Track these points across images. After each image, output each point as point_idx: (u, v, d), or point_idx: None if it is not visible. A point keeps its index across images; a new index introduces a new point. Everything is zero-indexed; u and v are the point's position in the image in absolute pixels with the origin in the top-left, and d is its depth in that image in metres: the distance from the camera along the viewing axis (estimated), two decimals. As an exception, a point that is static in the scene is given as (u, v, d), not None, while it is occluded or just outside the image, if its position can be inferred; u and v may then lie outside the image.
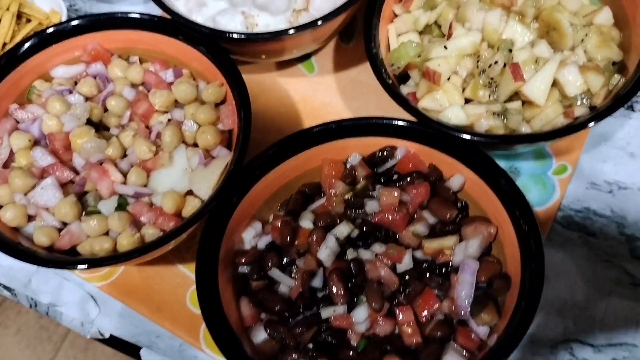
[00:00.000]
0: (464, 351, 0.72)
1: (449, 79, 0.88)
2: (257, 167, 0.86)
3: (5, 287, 1.04)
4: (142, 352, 0.97)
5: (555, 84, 0.85)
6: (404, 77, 0.96)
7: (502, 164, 0.98)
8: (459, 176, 0.85)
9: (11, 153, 0.88)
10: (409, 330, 0.74)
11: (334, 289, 0.75)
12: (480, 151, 0.83)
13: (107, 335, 0.99)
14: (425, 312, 0.75)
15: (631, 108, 1.09)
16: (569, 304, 0.94)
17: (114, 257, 0.78)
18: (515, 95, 0.87)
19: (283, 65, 1.14)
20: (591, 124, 0.80)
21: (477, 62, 0.86)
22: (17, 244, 0.81)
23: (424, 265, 0.79)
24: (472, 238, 0.78)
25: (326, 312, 0.75)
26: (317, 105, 1.09)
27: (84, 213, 0.85)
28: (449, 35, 0.88)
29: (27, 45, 0.92)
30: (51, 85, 0.94)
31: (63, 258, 0.80)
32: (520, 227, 0.77)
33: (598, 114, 0.81)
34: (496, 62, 0.84)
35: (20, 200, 0.84)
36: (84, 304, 0.99)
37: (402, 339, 0.75)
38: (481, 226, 0.80)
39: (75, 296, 0.99)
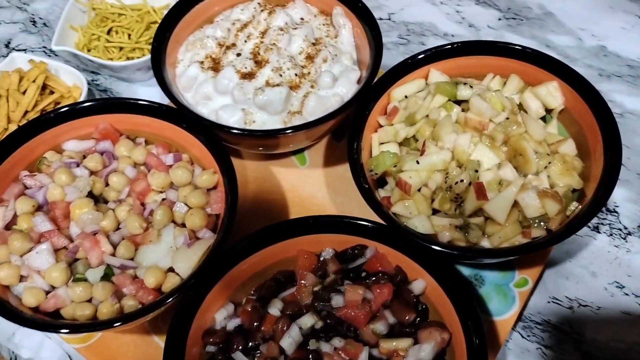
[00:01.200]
0: None
1: (420, 190, 0.96)
2: (236, 252, 0.93)
3: (-11, 339, 1.09)
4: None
5: (516, 205, 0.93)
6: (383, 181, 1.05)
7: (468, 271, 1.06)
8: (421, 281, 0.91)
9: (14, 216, 0.96)
10: None
11: (292, 380, 0.80)
12: (442, 260, 0.90)
13: (79, 398, 1.03)
14: (375, 410, 0.80)
15: (596, 229, 1.16)
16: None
17: (93, 325, 0.85)
18: (480, 211, 0.95)
19: (278, 155, 1.23)
20: (543, 248, 0.87)
21: (446, 178, 0.95)
22: (5, 302, 0.87)
23: (378, 364, 0.84)
24: (425, 342, 0.84)
25: (281, 400, 0.80)
26: (305, 197, 1.17)
27: (71, 279, 0.91)
28: (422, 152, 0.97)
29: (44, 119, 1.02)
30: (61, 157, 1.03)
31: (47, 321, 0.86)
32: (470, 339, 0.83)
33: (551, 238, 0.88)
34: (462, 181, 0.92)
35: (16, 262, 0.91)
36: (61, 364, 1.04)
37: None
38: (436, 332, 0.85)
39: (54, 355, 1.05)
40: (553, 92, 1.04)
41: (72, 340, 1.00)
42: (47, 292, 0.91)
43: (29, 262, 0.90)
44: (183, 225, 0.98)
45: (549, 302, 1.09)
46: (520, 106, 1.05)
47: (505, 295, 1.03)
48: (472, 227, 0.91)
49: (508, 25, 1.49)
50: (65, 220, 0.96)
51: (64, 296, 0.89)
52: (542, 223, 0.92)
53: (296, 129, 1.00)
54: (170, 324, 0.84)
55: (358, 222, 0.95)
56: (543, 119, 1.06)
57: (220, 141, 1.03)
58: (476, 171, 0.94)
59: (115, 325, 0.83)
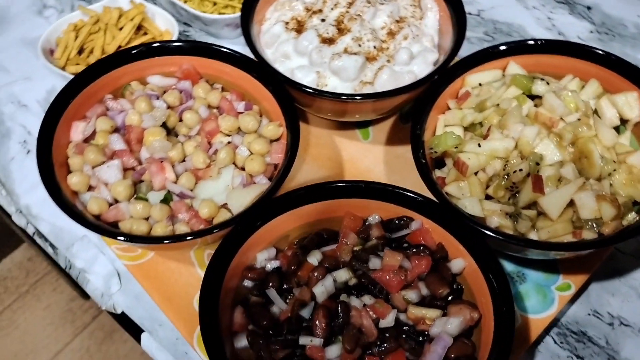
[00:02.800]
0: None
1: (476, 173, 0.97)
2: (287, 201, 0.96)
3: (52, 245, 1.18)
4: (143, 336, 1.07)
5: (571, 205, 0.92)
6: (442, 163, 1.06)
7: (511, 267, 1.05)
8: (460, 260, 0.92)
9: (94, 132, 1.04)
10: (371, 380, 0.81)
11: (317, 322, 0.83)
12: (485, 244, 0.90)
13: (119, 311, 1.10)
14: (392, 369, 0.82)
15: (653, 253, 1.12)
16: (539, 415, 0.97)
17: (147, 238, 0.91)
18: (534, 205, 0.94)
19: (343, 126, 1.26)
20: (590, 249, 0.86)
21: (505, 166, 0.95)
22: (73, 206, 0.94)
23: (404, 327, 0.85)
24: (454, 316, 0.85)
25: (304, 340, 0.83)
26: (362, 169, 1.20)
27: (134, 197, 0.98)
28: (486, 136, 0.97)
29: (135, 51, 1.10)
30: (144, 88, 1.11)
31: (107, 227, 0.93)
32: (500, 323, 0.83)
33: (601, 240, 0.87)
34: (520, 170, 0.92)
35: (87, 172, 0.98)
36: (109, 278, 1.11)
37: (364, 385, 0.81)
38: (466, 309, 0.86)
39: (105, 269, 1.12)
40: (631, 102, 1.02)
41: (124, 257, 1.07)
42: (110, 205, 0.97)
43: (99, 174, 0.98)
44: (242, 169, 1.03)
45: (589, 314, 1.06)
46: (596, 112, 1.04)
47: (545, 295, 1.01)
48: (523, 217, 0.91)
49: (599, 39, 1.45)
50: (138, 145, 1.03)
51: (124, 210, 0.96)
52: (595, 226, 0.91)
53: (365, 97, 1.03)
54: (215, 252, 0.89)
55: (408, 193, 0.96)
56: (617, 129, 1.04)
57: (291, 98, 1.07)
58: (537, 164, 0.94)
59: (165, 242, 0.89)
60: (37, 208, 1.20)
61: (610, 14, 1.49)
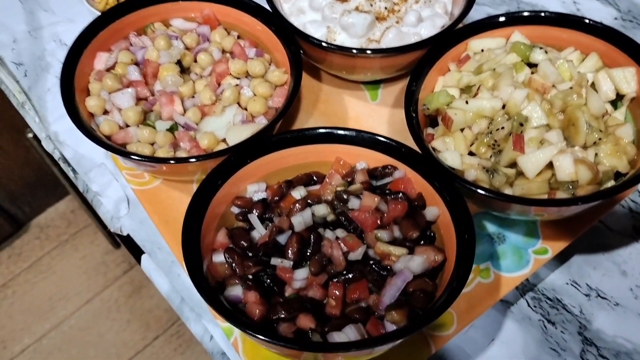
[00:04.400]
0: (365, 335, 0.83)
1: (462, 130, 1.00)
2: (281, 140, 1.03)
3: (73, 170, 1.29)
4: (143, 257, 1.16)
5: (550, 168, 0.94)
6: (435, 124, 1.10)
7: (493, 228, 1.08)
8: (435, 208, 0.96)
9: (115, 63, 1.13)
10: (333, 303, 0.86)
11: (290, 246, 0.90)
12: (460, 195, 0.94)
13: (125, 233, 1.19)
14: (354, 296, 0.87)
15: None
16: (502, 371, 1.00)
17: (150, 157, 0.99)
18: (515, 166, 0.97)
19: (353, 87, 1.31)
20: (562, 205, 0.88)
21: (490, 124, 0.98)
22: (92, 130, 1.04)
23: (370, 262, 0.91)
24: (418, 255, 0.89)
25: (275, 261, 0.89)
26: (365, 127, 1.23)
27: (143, 123, 1.07)
28: (475, 95, 1.01)
29: (161, -5, 1.19)
30: (166, 29, 1.19)
31: (115, 145, 1.03)
32: (459, 266, 0.86)
33: (575, 199, 0.89)
34: (503, 128, 0.96)
35: (104, 96, 1.08)
36: (119, 203, 1.20)
37: (325, 308, 0.87)
38: (431, 251, 0.90)
39: (116, 194, 1.21)
40: (628, 78, 1.03)
41: (133, 182, 1.16)
42: (120, 128, 1.06)
43: (114, 99, 1.07)
44: (245, 109, 1.10)
45: (567, 283, 1.08)
46: (593, 86, 1.05)
47: (521, 257, 1.04)
48: (499, 173, 0.94)
49: (622, 26, 1.45)
50: (153, 78, 1.12)
51: (133, 134, 1.05)
52: (570, 188, 0.93)
53: (367, 51, 1.08)
54: (208, 174, 0.96)
55: (394, 143, 1.01)
56: (614, 103, 1.05)
57: (299, 48, 1.13)
58: (521, 124, 0.97)
59: (168, 162, 0.97)
60: (63, 135, 1.31)
61: (637, 2, 1.48)
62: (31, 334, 2.58)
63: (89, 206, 2.22)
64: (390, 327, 0.84)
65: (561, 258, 1.10)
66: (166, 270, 1.12)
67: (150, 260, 1.15)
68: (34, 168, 2.64)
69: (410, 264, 0.88)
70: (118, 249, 2.77)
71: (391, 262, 0.90)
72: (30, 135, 2.06)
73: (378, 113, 1.27)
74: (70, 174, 1.30)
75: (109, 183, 1.24)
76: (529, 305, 1.07)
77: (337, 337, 0.81)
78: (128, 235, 1.18)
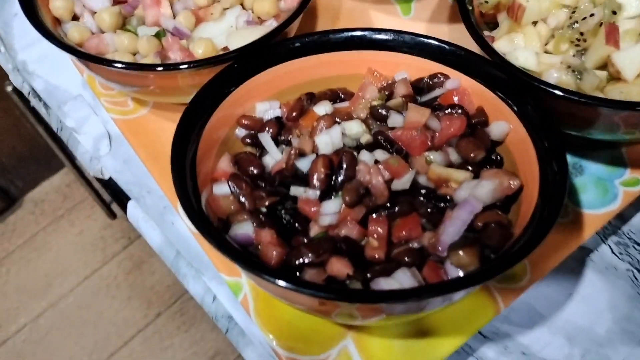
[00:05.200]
0: (421, 279, 0.60)
1: (535, 24, 0.77)
2: (296, 46, 0.80)
3: (45, 104, 1.07)
4: (130, 204, 0.95)
5: (654, 66, 0.72)
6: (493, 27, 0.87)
7: (569, 158, 0.85)
8: (503, 123, 0.73)
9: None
10: (375, 244, 0.64)
11: (315, 172, 0.67)
12: (538, 104, 0.71)
13: (106, 177, 0.97)
14: (402, 234, 0.65)
15: None
16: (584, 333, 0.78)
17: (130, 64, 0.76)
18: (604, 67, 0.74)
19: (381, 0, 1.08)
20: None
21: (572, 14, 0.75)
22: (52, 32, 0.81)
23: (422, 190, 0.68)
24: (487, 179, 0.67)
25: (296, 190, 0.67)
26: (397, 47, 1.02)
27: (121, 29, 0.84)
28: (551, -23, 0.78)
29: None
30: None
31: (85, 51, 0.80)
32: (546, 189, 0.64)
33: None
34: (592, 15, 0.72)
35: (72, -5, 0.85)
36: (99, 140, 0.98)
37: (364, 250, 0.64)
38: (504, 175, 0.68)
39: (96, 130, 0.99)
40: None
41: (113, 111, 0.94)
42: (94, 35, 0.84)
43: (85, 0, 0.84)
44: (252, 12, 0.87)
45: (661, 225, 0.86)
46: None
47: (606, 190, 0.82)
48: (590, 73, 0.71)
49: None
50: (135, -23, 0.89)
51: (108, 41, 0.82)
52: (684, 92, 0.70)
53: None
54: (202, 87, 0.74)
55: (445, 45, 0.78)
56: None
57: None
58: (614, 13, 0.74)
59: (153, 68, 0.74)
60: (33, 65, 1.09)
61: None
62: (27, 313, 2.43)
63: (86, 179, 2.05)
64: (455, 272, 0.62)
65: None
66: (157, 219, 0.90)
67: (138, 208, 0.93)
68: (26, 140, 2.48)
69: (478, 190, 0.66)
70: (115, 220, 2.59)
71: (450, 191, 0.68)
72: (9, 88, 1.83)
73: (412, 30, 1.03)
74: (42, 110, 1.08)
75: (86, 117, 1.01)
76: (613, 252, 0.84)
77: (385, 283, 0.59)
78: (110, 179, 0.97)
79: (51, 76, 1.07)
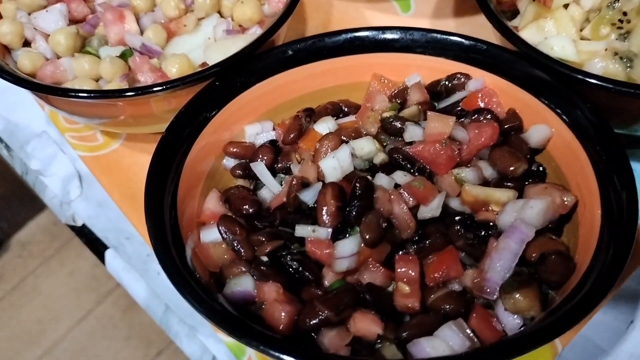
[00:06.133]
0: (471, 333, 0.47)
1: (567, 6, 0.65)
2: (286, 55, 0.68)
3: (6, 146, 0.94)
4: (107, 254, 0.82)
5: None
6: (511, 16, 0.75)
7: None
8: (543, 127, 0.61)
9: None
10: (406, 289, 0.51)
11: (323, 206, 0.54)
12: (586, 101, 0.59)
13: (79, 223, 0.85)
14: (438, 275, 0.52)
15: None
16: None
17: (92, 92, 0.64)
18: (653, 51, 0.63)
19: (377, -4, 0.97)
20: None
21: (609, -8, 0.63)
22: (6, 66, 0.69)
23: (457, 217, 0.56)
24: (536, 198, 0.54)
25: (303, 230, 0.54)
26: (399, 49, 0.90)
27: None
28: (581, -48, 0.66)
29: None
30: None
31: (40, 82, 0.67)
32: (611, 209, 0.52)
33: None
34: (635, -9, 0.61)
35: (21, 19, 0.73)
36: (68, 182, 0.86)
37: (394, 298, 0.52)
38: (555, 190, 0.55)
39: (64, 170, 0.87)
40: None
41: (80, 147, 0.82)
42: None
43: (36, 22, 0.72)
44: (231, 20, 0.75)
45: None
46: None
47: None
48: (641, 59, 0.59)
49: None
50: (94, -8, 0.77)
51: (66, 67, 0.70)
52: None
53: None
54: (179, 111, 0.61)
55: (464, 40, 0.66)
56: None
57: None
58: (661, -13, 0.62)
59: (120, 95, 0.62)
60: (-11, 101, 0.96)
61: None
62: (22, 363, 2.32)
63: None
64: (512, 320, 0.49)
65: None
66: (140, 269, 0.78)
67: (118, 257, 0.80)
68: (7, 179, 2.39)
69: (527, 212, 0.53)
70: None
71: (491, 215, 0.55)
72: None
73: (414, 28, 0.93)
74: (4, 153, 0.95)
75: (53, 156, 0.89)
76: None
77: (429, 346, 0.46)
78: (84, 226, 0.84)
79: (10, 113, 0.94)
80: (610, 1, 0.63)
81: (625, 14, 0.62)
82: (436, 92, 0.68)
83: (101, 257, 0.84)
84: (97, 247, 0.84)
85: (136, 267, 0.79)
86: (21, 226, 2.66)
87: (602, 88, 0.56)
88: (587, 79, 0.57)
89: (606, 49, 0.61)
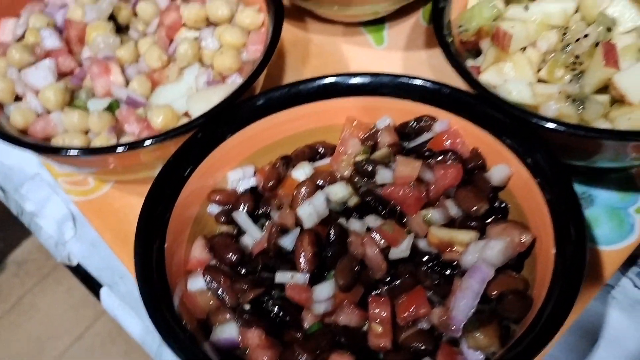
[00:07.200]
0: (439, 374, 0.52)
1: (524, 50, 0.70)
2: (266, 102, 0.72)
3: (1, 188, 0.98)
4: (102, 291, 0.86)
5: (661, 84, 0.64)
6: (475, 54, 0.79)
7: (577, 187, 0.77)
8: (504, 167, 0.66)
9: (26, 32, 0.81)
10: (379, 330, 0.56)
11: (302, 251, 0.59)
12: (540, 142, 0.63)
13: (74, 263, 0.89)
14: (408, 314, 0.57)
15: None
16: (618, 382, 0.70)
17: (85, 150, 0.68)
18: (605, 89, 0.67)
19: (351, 32, 1.01)
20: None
21: (564, 36, 0.68)
22: (-1, 124, 0.73)
23: (424, 257, 0.60)
24: (496, 238, 0.59)
25: (282, 277, 0.59)
26: (374, 81, 0.94)
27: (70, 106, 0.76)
28: (534, -1, 0.71)
29: None
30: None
31: (38, 142, 0.71)
32: (563, 245, 0.56)
33: None
34: (585, 36, 0.65)
35: (11, 76, 0.77)
36: (63, 223, 0.90)
37: (367, 338, 0.56)
38: (513, 229, 0.60)
39: (58, 212, 0.91)
40: None
41: (73, 192, 0.85)
42: (40, 116, 0.75)
43: (26, 78, 0.76)
44: (212, 68, 0.79)
45: (684, 247, 0.79)
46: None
47: (621, 221, 0.74)
48: (592, 101, 0.64)
49: None
50: (79, 44, 0.81)
51: (56, 122, 0.74)
52: (699, 110, 0.63)
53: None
54: (164, 165, 0.65)
55: (429, 84, 0.70)
56: None
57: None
58: (609, 30, 0.66)
59: (108, 151, 0.66)
60: (-17, 145, 1.00)
61: None
62: (21, 382, 2.34)
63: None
64: (474, 355, 0.53)
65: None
66: (135, 306, 0.82)
67: (112, 295, 0.84)
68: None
69: (487, 252, 0.58)
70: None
71: (456, 255, 0.60)
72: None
73: (388, 60, 0.97)
74: (0, 194, 0.99)
75: (47, 198, 0.93)
76: (635, 285, 0.77)
77: (399, 385, 0.50)
78: (79, 265, 0.88)
79: (4, 156, 0.98)
80: (564, 45, 0.68)
81: (577, 57, 0.67)
82: (405, 133, 0.72)
83: (97, 294, 0.89)
84: (93, 285, 0.88)
85: (130, 305, 0.83)
86: (16, 245, 2.66)
87: (555, 131, 0.61)
88: (540, 123, 0.62)
89: (560, 92, 0.66)
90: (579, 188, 0.79)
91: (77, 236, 0.89)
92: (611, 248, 0.73)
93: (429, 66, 0.95)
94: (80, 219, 0.89)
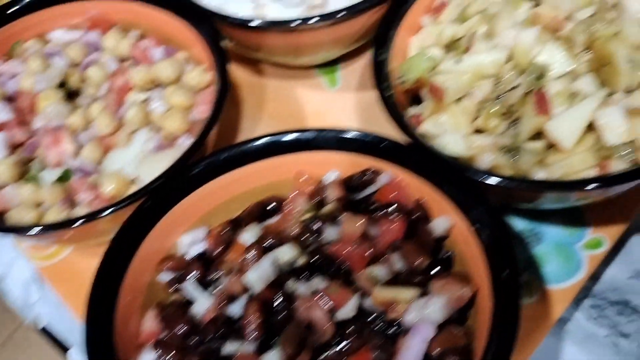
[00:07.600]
0: None
1: (460, 100, 0.72)
2: (214, 163, 0.74)
3: (-33, 251, 0.99)
4: (70, 353, 0.87)
5: (592, 129, 0.66)
6: (418, 101, 0.81)
7: (522, 225, 0.80)
8: (444, 218, 0.68)
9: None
10: (327, 394, 0.57)
11: (248, 321, 0.60)
12: (476, 193, 0.65)
13: (40, 326, 0.90)
14: (354, 377, 0.58)
15: None
16: (575, 418, 0.72)
17: (36, 229, 0.69)
18: (540, 136, 0.69)
19: (306, 75, 1.03)
20: (624, 182, 0.60)
21: (497, 85, 0.70)
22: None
23: (369, 318, 0.62)
24: (436, 296, 0.61)
25: (230, 347, 0.60)
26: (329, 123, 0.95)
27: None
28: (466, 50, 0.72)
29: (25, 1, 0.88)
30: (44, 46, 0.89)
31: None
32: (499, 299, 0.58)
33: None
34: (516, 86, 0.67)
35: (-38, 152, 0.78)
36: (28, 285, 0.91)
37: (316, 403, 0.58)
38: (453, 284, 0.62)
39: (23, 275, 0.92)
40: (667, -13, 0.75)
41: (36, 257, 0.86)
42: (-5, 192, 0.76)
43: (-24, 154, 0.77)
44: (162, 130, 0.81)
45: (631, 277, 0.81)
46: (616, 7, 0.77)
47: (569, 257, 0.76)
48: (525, 151, 0.66)
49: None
50: (31, 114, 0.82)
51: (10, 196, 0.75)
52: (628, 154, 0.65)
53: (317, 19, 0.79)
54: (113, 238, 0.67)
55: (369, 138, 0.72)
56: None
57: (220, 36, 0.84)
58: (539, 78, 0.68)
59: (63, 227, 0.67)
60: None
61: None
62: None
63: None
64: (419, 415, 0.55)
65: (616, 245, 0.82)
66: (102, 366, 0.82)
67: (81, 356, 0.85)
68: None
69: (428, 310, 0.59)
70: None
71: (399, 313, 0.61)
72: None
73: (341, 102, 0.99)
74: (-35, 257, 0.99)
75: (13, 261, 0.94)
76: (589, 318, 0.79)
77: None
78: (44, 328, 0.89)
79: (-31, 220, 0.98)
80: (496, 96, 0.70)
81: (510, 106, 0.69)
82: (352, 185, 0.74)
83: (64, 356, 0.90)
84: (61, 346, 0.89)
85: (98, 364, 0.84)
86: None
87: (486, 184, 0.63)
88: (473, 177, 0.64)
89: (494, 143, 0.67)
90: (526, 225, 0.80)
91: (41, 299, 0.90)
92: (560, 286, 0.75)
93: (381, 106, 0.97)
94: (45, 281, 0.90)
